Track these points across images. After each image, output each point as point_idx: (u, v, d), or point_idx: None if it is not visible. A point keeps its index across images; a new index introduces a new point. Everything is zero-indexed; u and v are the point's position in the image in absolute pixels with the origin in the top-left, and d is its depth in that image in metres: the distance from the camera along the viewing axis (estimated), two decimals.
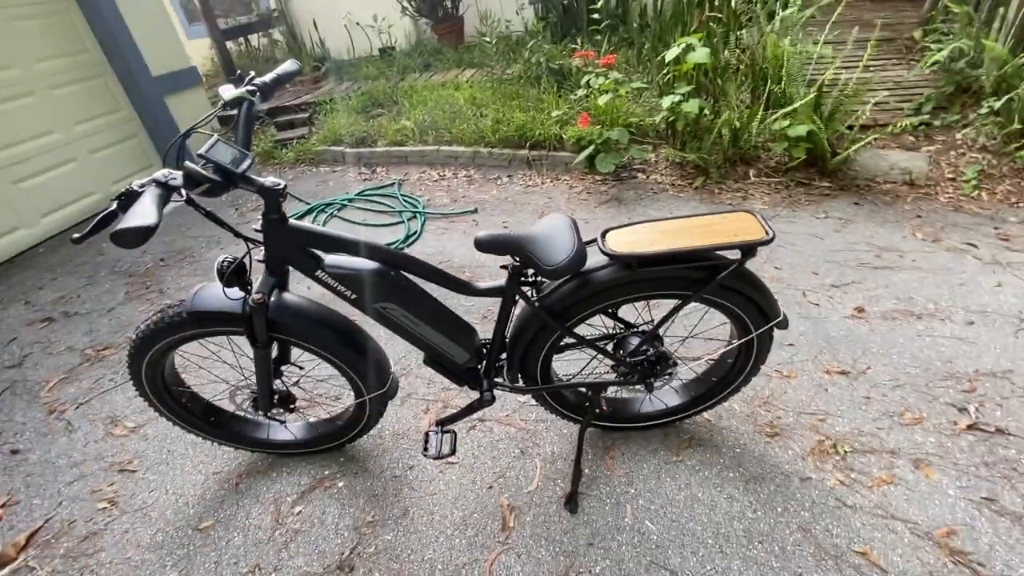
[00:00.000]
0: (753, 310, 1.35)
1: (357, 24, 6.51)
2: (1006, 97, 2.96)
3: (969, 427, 1.66)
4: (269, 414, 1.61)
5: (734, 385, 1.58)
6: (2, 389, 2.29)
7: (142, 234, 0.77)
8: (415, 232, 3.23)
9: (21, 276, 3.24)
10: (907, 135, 3.43)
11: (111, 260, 3.30)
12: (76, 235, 0.87)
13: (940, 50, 3.50)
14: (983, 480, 1.50)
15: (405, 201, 3.63)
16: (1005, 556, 1.32)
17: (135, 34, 3.99)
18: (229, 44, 6.29)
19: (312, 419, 1.83)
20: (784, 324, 1.37)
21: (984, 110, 3.15)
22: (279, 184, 1.11)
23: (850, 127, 3.16)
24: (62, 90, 3.75)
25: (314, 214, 3.61)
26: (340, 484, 1.71)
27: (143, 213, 0.79)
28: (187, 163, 0.95)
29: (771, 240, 1.15)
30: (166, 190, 0.88)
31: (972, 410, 1.71)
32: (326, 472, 1.75)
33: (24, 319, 2.79)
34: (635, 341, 1.45)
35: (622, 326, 1.51)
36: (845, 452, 1.62)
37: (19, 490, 1.80)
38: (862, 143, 3.05)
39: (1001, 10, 3.34)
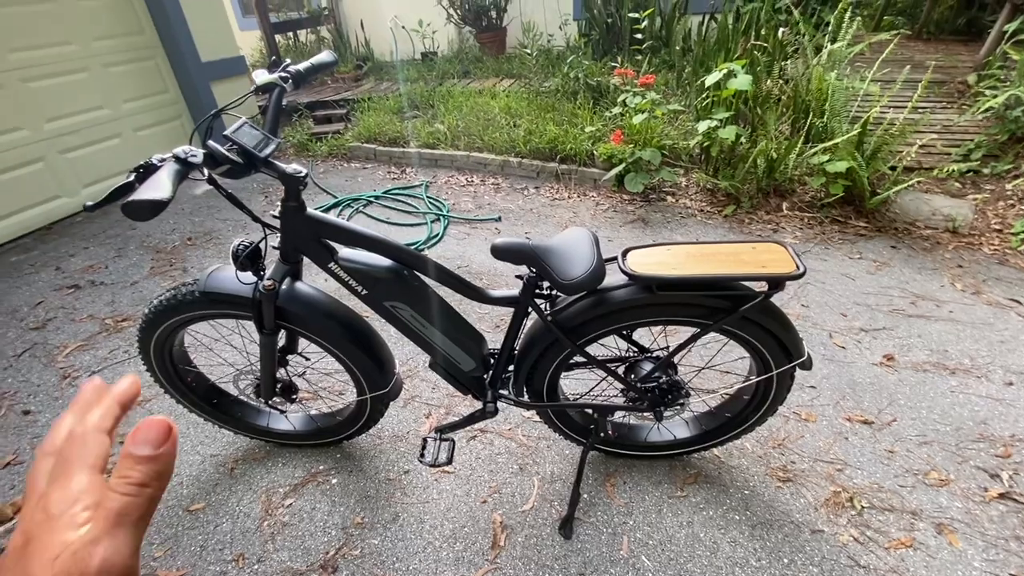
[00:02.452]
0: (776, 347, 1.28)
1: (403, 27, 6.64)
2: None
3: (1001, 495, 1.54)
4: (270, 402, 1.60)
5: (748, 423, 1.50)
6: (23, 350, 2.35)
7: (153, 207, 0.77)
8: (437, 234, 3.23)
9: (56, 243, 3.34)
10: (953, 181, 3.30)
11: (141, 234, 3.38)
12: (89, 203, 0.87)
13: (995, 96, 3.37)
14: (1013, 555, 1.39)
15: (431, 203, 3.63)
16: None
17: (190, 20, 4.13)
18: (278, 38, 6.47)
19: (313, 412, 1.82)
20: (808, 365, 1.30)
21: None
22: (300, 172, 1.10)
23: (893, 167, 3.05)
24: (115, 68, 3.89)
25: (340, 208, 3.65)
26: (333, 481, 1.69)
27: (157, 186, 0.78)
28: (210, 142, 0.94)
29: (801, 275, 1.09)
30: (185, 166, 0.88)
31: (1005, 477, 1.59)
32: (320, 467, 1.73)
33: (53, 284, 2.87)
34: (648, 367, 1.39)
35: (636, 350, 1.46)
36: (862, 507, 1.53)
37: (24, 451, 1.83)
38: (905, 185, 2.94)
39: None
